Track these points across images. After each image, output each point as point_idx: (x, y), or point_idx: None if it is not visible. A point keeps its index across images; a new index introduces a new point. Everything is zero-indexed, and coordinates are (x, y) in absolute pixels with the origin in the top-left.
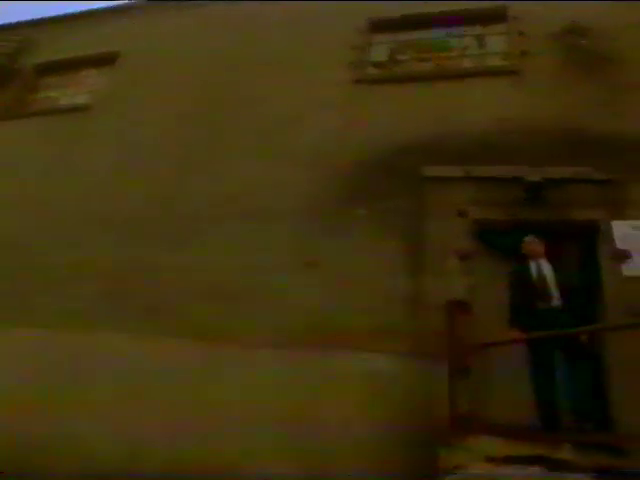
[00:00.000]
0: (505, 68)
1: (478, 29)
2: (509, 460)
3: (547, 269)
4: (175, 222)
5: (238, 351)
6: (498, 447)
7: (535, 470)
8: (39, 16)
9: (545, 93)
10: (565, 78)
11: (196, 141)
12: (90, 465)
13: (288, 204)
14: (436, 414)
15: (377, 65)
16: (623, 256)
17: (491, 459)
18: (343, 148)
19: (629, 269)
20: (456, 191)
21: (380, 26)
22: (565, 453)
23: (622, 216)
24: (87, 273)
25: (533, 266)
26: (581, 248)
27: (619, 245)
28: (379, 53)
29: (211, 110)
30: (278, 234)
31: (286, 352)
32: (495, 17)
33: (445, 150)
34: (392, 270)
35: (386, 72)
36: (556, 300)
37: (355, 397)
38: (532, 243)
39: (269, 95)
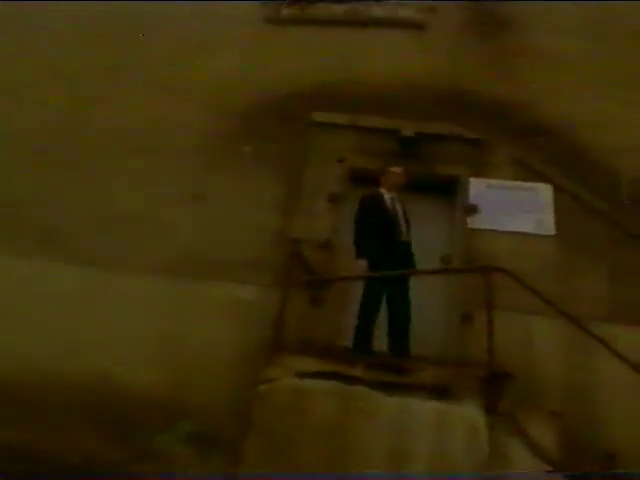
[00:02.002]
0: (411, 21)
1: None
2: (312, 375)
3: (398, 203)
4: (73, 150)
5: (122, 277)
6: (308, 364)
7: (330, 383)
8: None
9: (442, 51)
10: (464, 38)
11: (98, 66)
12: None
13: (181, 138)
14: (284, 337)
15: (291, 4)
16: (472, 210)
17: (299, 374)
18: (242, 87)
19: (474, 222)
20: (339, 138)
21: None
22: (358, 371)
23: (483, 175)
24: None
25: (387, 198)
26: (442, 201)
27: (472, 200)
28: None
29: (114, 36)
30: (169, 167)
31: (164, 279)
32: None
33: (338, 97)
34: (267, 208)
35: (297, 13)
36: (406, 235)
37: (221, 322)
38: (396, 175)
39: (178, 26)
